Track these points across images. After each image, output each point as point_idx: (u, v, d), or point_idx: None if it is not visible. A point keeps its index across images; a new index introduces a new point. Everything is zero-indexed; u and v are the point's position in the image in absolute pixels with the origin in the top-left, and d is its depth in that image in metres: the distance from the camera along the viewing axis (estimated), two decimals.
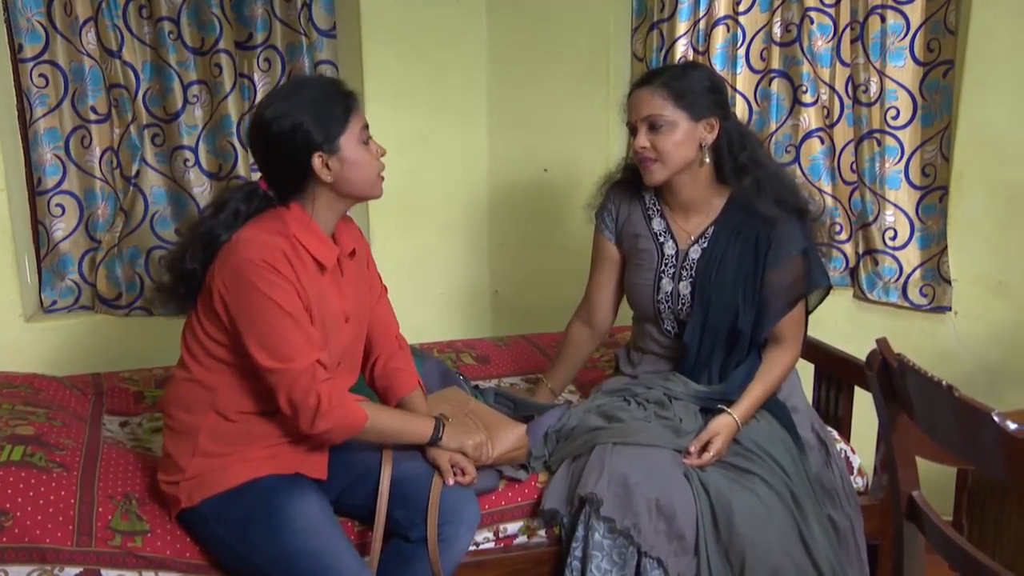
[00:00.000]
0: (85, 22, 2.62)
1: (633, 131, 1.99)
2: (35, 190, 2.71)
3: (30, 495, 1.66)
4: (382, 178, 1.77)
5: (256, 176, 1.84)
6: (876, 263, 2.72)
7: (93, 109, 2.69)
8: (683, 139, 1.95)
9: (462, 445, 1.81)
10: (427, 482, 1.76)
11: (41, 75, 2.63)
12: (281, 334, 1.63)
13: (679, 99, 1.93)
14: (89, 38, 2.64)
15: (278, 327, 1.63)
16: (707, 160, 1.99)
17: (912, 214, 2.67)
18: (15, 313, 2.62)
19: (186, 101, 2.72)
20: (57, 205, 2.72)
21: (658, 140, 1.94)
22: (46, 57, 2.62)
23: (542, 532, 1.92)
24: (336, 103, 1.70)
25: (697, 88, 1.95)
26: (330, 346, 1.73)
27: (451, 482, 1.77)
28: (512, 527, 1.91)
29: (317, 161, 1.68)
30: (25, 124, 2.66)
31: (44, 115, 2.66)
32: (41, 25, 2.60)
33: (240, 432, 1.72)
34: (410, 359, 1.98)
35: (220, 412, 1.71)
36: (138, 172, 2.74)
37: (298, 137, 1.66)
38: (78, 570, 1.62)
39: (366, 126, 1.74)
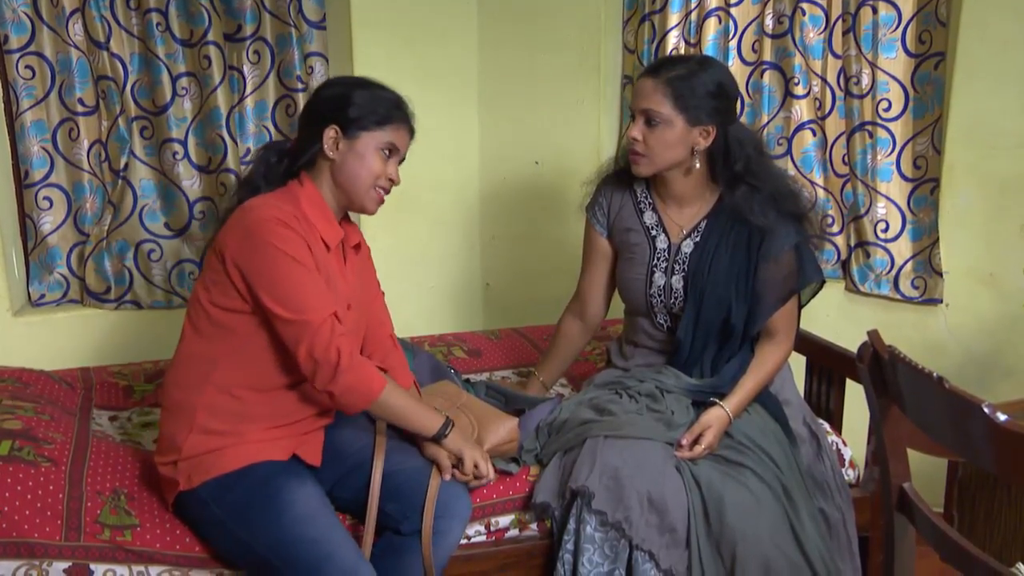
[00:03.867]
0: (72, 13, 2.59)
1: (634, 116, 1.97)
2: (22, 183, 2.68)
3: (18, 489, 1.65)
4: (380, 196, 1.82)
5: (245, 169, 1.89)
6: (868, 255, 2.73)
7: (81, 101, 2.67)
8: (675, 140, 1.93)
9: (460, 451, 1.79)
10: (419, 476, 1.76)
11: (27, 67, 2.60)
12: (296, 285, 1.66)
13: (678, 100, 1.90)
14: (76, 29, 2.61)
15: (292, 277, 1.66)
16: (698, 165, 1.98)
17: (904, 206, 2.67)
18: (3, 307, 2.60)
19: (175, 93, 2.70)
20: (45, 198, 2.70)
21: (650, 135, 1.93)
22: (32, 48, 2.59)
23: (533, 525, 1.92)
24: (385, 108, 1.78)
25: (701, 91, 1.90)
26: None
27: (448, 477, 1.77)
28: (504, 520, 1.90)
29: (331, 132, 1.75)
30: (11, 116, 2.63)
31: (31, 107, 2.63)
32: (27, 16, 2.57)
33: (238, 411, 1.72)
34: (404, 359, 1.99)
35: (219, 386, 1.71)
36: (127, 165, 2.72)
37: (332, 105, 1.77)
38: (67, 564, 1.61)
39: (397, 149, 1.81)
